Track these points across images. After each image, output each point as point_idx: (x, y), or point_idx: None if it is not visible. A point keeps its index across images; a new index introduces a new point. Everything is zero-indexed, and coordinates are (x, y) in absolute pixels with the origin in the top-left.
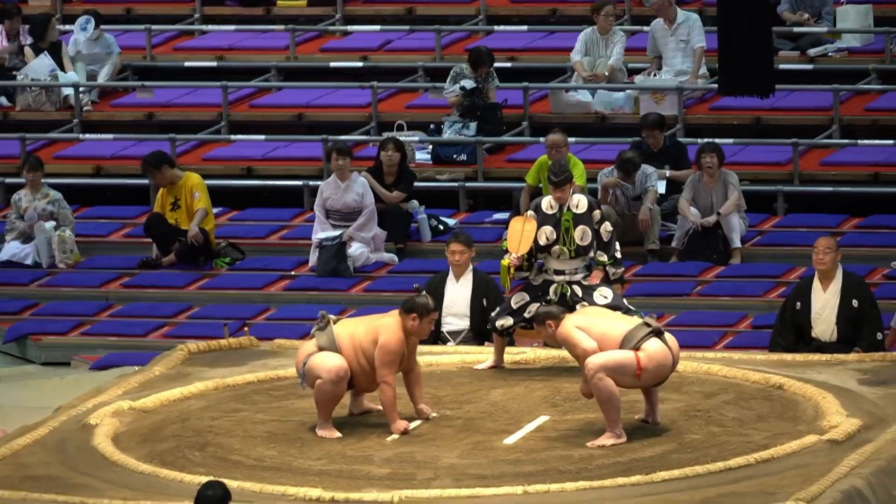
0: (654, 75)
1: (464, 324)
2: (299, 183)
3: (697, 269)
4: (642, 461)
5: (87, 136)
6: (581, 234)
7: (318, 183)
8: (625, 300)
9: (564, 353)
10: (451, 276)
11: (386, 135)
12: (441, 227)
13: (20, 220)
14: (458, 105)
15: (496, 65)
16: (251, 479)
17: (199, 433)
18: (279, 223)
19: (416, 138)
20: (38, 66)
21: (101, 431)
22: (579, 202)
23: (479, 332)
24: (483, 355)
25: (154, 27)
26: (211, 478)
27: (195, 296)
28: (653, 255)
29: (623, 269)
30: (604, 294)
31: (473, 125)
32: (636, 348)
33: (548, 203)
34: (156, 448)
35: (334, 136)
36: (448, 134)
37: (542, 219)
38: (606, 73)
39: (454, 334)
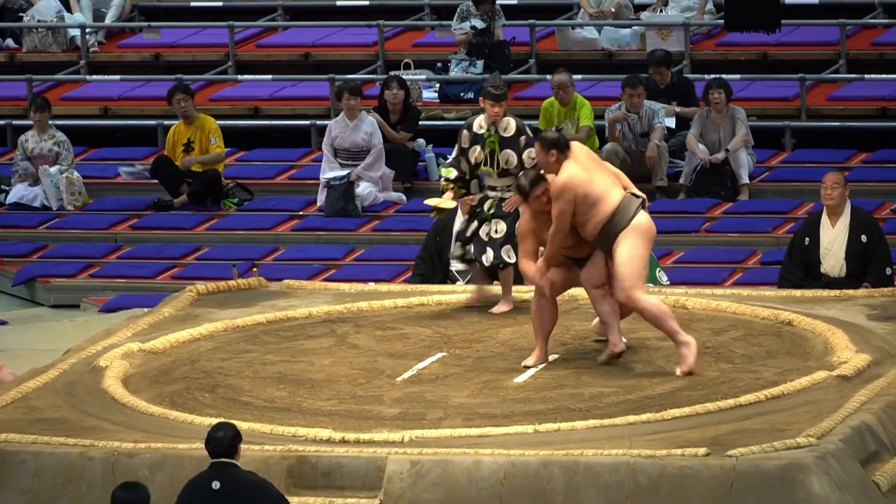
0: (661, 11)
1: None
2: (307, 123)
3: (705, 205)
4: (652, 399)
5: (94, 77)
6: (506, 158)
7: (326, 122)
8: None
9: (573, 291)
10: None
11: (392, 73)
12: None
13: (27, 161)
14: (465, 43)
15: (502, 2)
16: (261, 421)
17: (208, 374)
18: (287, 163)
19: (423, 77)
20: (45, 7)
21: (111, 373)
22: (508, 125)
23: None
24: (495, 291)
25: None
26: (221, 419)
27: (203, 237)
28: (661, 191)
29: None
30: (497, 228)
31: (480, 63)
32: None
33: (478, 123)
34: (165, 390)
35: (341, 76)
36: (455, 72)
37: (473, 138)
38: (613, 10)
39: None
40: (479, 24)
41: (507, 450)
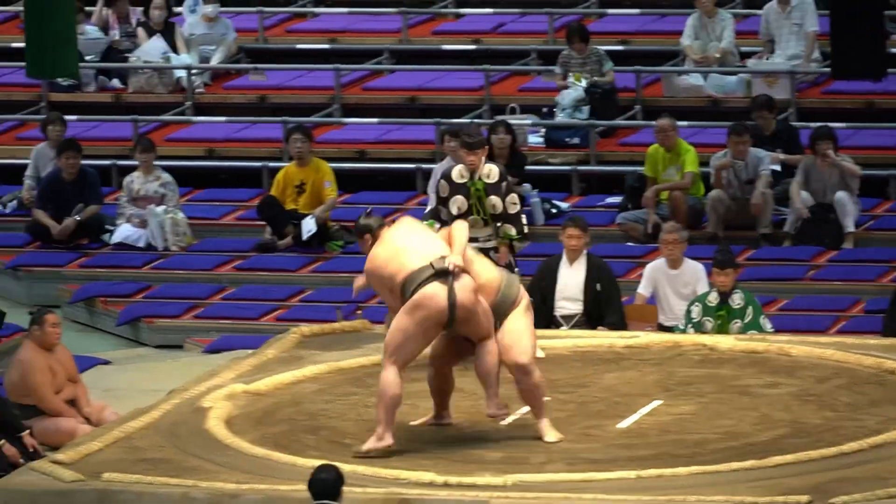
0: (767, 59)
1: (577, 308)
2: (412, 166)
3: (810, 253)
4: (756, 446)
5: (200, 118)
6: (492, 204)
7: (432, 166)
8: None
9: (677, 337)
10: (564, 260)
11: (497, 118)
12: (554, 211)
13: (132, 203)
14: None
15: (609, 48)
16: (364, 463)
17: (312, 416)
18: (393, 206)
19: (529, 121)
20: (151, 48)
21: (215, 414)
22: (490, 171)
23: (592, 316)
24: (597, 339)
25: (266, 9)
26: (324, 461)
27: (308, 279)
28: (765, 239)
29: (528, 243)
30: None
31: (586, 109)
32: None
33: (459, 172)
34: (269, 431)
35: (447, 120)
36: (561, 117)
37: (453, 188)
38: (718, 56)
39: (567, 318)
40: (582, 87)
41: (609, 495)
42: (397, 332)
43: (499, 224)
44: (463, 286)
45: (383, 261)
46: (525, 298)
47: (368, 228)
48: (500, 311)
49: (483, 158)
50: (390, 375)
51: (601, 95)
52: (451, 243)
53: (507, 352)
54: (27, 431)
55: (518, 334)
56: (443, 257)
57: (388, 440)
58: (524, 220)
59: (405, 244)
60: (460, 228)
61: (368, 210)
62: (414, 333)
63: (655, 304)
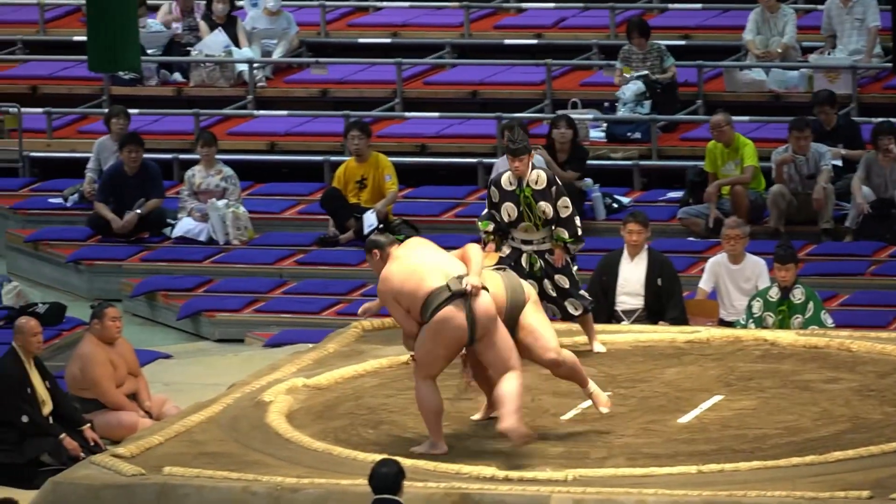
0: (828, 54)
1: (638, 303)
2: (473, 160)
3: (871, 248)
4: (816, 441)
5: (261, 112)
6: (542, 210)
7: (493, 160)
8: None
9: (738, 332)
10: (625, 255)
11: (559, 112)
12: (615, 206)
13: (194, 197)
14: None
15: (671, 43)
16: (425, 458)
17: (373, 411)
18: (453, 201)
19: (590, 116)
20: (212, 42)
21: (275, 408)
22: (538, 177)
23: (653, 311)
24: (658, 334)
25: (328, 3)
26: (385, 455)
27: (369, 273)
28: (826, 234)
29: (582, 244)
30: (560, 283)
31: (648, 103)
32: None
33: (507, 179)
34: (329, 425)
35: (508, 114)
36: (622, 112)
37: (503, 195)
38: (780, 51)
39: (628, 313)
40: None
41: (671, 490)
42: (423, 352)
43: (553, 227)
44: (480, 305)
45: (399, 280)
46: (532, 294)
47: (377, 244)
48: (513, 315)
49: (530, 163)
50: (423, 388)
51: (662, 90)
52: (467, 262)
53: (532, 351)
54: (87, 425)
55: (536, 330)
56: (459, 277)
57: (442, 448)
58: (577, 223)
59: (421, 262)
60: (476, 251)
61: (380, 226)
62: (438, 354)
63: (716, 298)
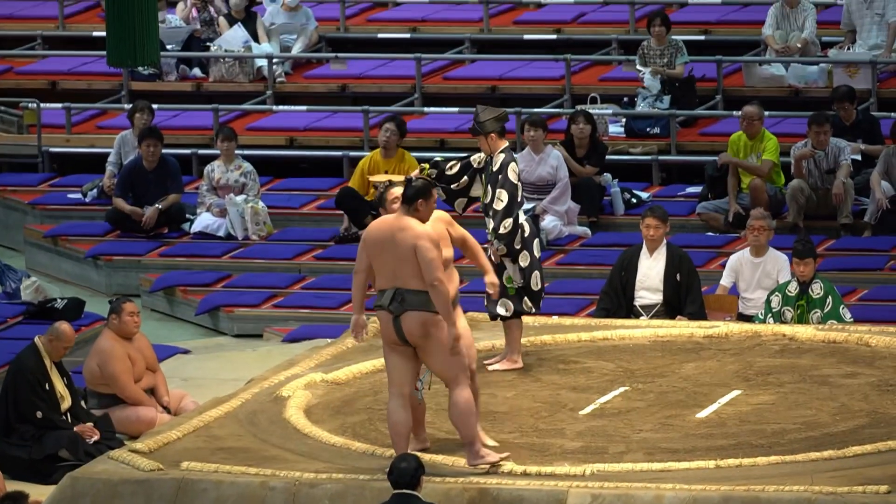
0: (848, 49)
1: (657, 298)
2: None
3: (890, 243)
4: (834, 436)
5: (280, 107)
6: (486, 191)
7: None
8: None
9: (756, 327)
10: (644, 250)
11: (578, 107)
12: (634, 201)
13: (213, 192)
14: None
15: (690, 38)
16: (443, 452)
17: None
18: None
19: (610, 111)
20: (232, 38)
21: (293, 403)
22: (499, 162)
23: (672, 305)
24: (677, 329)
25: None
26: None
27: None
28: (845, 229)
29: (504, 249)
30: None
31: (667, 98)
32: None
33: (477, 158)
34: (348, 420)
35: (528, 109)
36: (641, 107)
37: (482, 170)
38: (799, 46)
39: (647, 308)
40: (659, 69)
41: (689, 485)
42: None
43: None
44: (407, 319)
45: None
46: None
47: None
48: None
49: (488, 146)
50: (466, 392)
51: (681, 85)
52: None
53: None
54: (91, 424)
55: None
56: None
57: (498, 455)
58: (506, 223)
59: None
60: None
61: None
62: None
63: (737, 293)
